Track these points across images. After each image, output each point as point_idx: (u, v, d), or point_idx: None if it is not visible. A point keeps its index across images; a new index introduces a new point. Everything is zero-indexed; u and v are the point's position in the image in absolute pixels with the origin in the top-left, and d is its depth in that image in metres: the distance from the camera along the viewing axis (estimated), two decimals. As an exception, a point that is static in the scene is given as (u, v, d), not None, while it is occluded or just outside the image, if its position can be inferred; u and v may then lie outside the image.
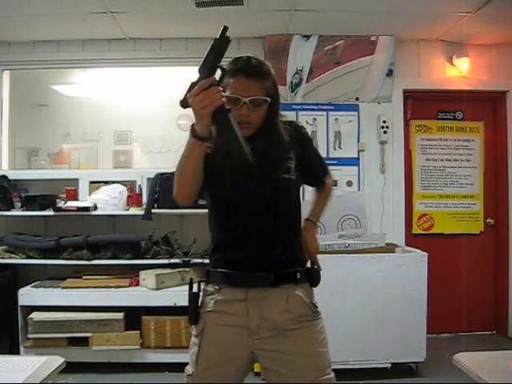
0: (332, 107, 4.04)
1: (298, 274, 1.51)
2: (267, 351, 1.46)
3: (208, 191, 1.54)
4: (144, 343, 3.39)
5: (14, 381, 1.37)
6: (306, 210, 1.66)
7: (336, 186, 4.01)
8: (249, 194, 1.46)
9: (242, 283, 1.47)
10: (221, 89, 1.28)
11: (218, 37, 1.26)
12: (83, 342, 3.32)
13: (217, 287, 1.50)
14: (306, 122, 3.96)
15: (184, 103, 1.28)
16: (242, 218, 1.49)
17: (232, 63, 1.47)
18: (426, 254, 3.30)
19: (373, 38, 3.97)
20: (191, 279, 1.56)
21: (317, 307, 1.53)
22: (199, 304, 1.53)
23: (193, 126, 1.31)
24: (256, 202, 1.48)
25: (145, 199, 3.73)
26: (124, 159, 4.56)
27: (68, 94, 4.62)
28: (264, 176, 1.46)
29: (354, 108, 4.05)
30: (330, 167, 4.05)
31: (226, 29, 1.26)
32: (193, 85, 1.27)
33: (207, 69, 1.27)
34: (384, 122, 4.02)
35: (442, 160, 4.24)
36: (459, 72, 4.08)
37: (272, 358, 1.46)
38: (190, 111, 1.29)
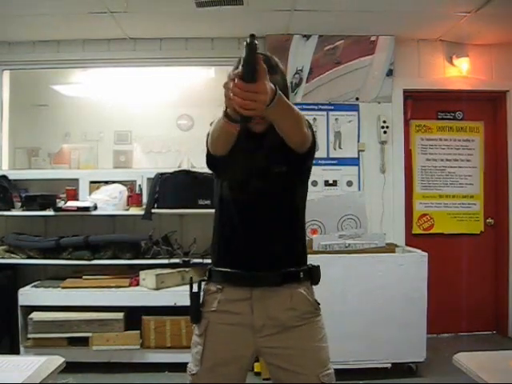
0: (332, 107, 4.04)
1: (301, 273, 1.52)
2: (272, 348, 1.48)
3: (219, 189, 1.55)
4: (144, 343, 3.38)
5: (14, 381, 1.37)
6: (308, 211, 1.65)
7: (336, 185, 4.02)
8: (250, 192, 1.47)
9: (246, 282, 1.48)
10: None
11: (249, 39, 1.15)
12: (83, 342, 3.32)
13: (219, 286, 1.51)
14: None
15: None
16: (243, 218, 1.49)
17: (240, 61, 1.46)
18: (426, 254, 3.30)
19: (373, 38, 3.97)
20: (191, 278, 1.57)
21: (319, 304, 1.55)
22: (201, 303, 1.53)
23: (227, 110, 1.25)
24: (256, 202, 1.48)
25: (145, 199, 3.73)
26: (124, 159, 4.56)
27: (68, 94, 4.63)
28: (266, 171, 1.46)
29: (354, 108, 4.05)
30: (330, 167, 4.11)
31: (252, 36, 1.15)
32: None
33: (246, 69, 1.15)
34: (384, 122, 4.02)
35: (442, 160, 4.24)
36: (459, 72, 4.08)
37: (277, 354, 1.48)
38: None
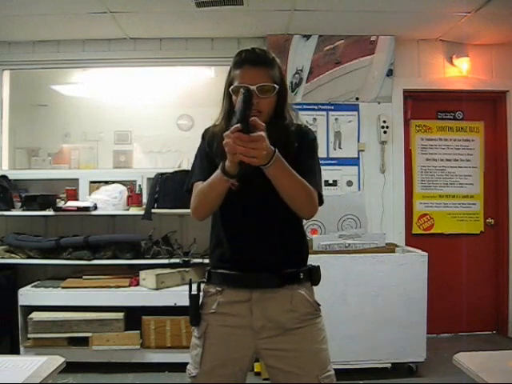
0: (332, 107, 4.04)
1: (301, 273, 1.52)
2: (272, 350, 1.47)
3: None
4: (144, 343, 3.38)
5: (14, 381, 1.36)
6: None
7: (336, 185, 4.02)
8: (247, 194, 1.46)
9: (246, 284, 1.47)
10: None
11: (245, 91, 1.29)
12: (83, 341, 3.32)
13: (219, 288, 1.50)
14: (306, 121, 3.93)
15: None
16: (242, 219, 1.50)
17: (237, 55, 1.48)
18: (426, 254, 3.30)
19: (373, 38, 3.97)
20: (190, 280, 1.56)
21: (319, 305, 1.54)
22: (200, 305, 1.53)
23: (224, 164, 1.33)
24: (255, 203, 1.48)
25: (145, 199, 3.73)
26: (124, 159, 4.57)
27: (68, 94, 4.63)
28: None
29: (354, 108, 4.05)
30: (330, 167, 4.11)
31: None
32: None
33: (243, 121, 1.26)
34: (384, 121, 4.02)
35: (442, 160, 4.23)
36: (459, 72, 4.08)
37: (277, 356, 1.47)
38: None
